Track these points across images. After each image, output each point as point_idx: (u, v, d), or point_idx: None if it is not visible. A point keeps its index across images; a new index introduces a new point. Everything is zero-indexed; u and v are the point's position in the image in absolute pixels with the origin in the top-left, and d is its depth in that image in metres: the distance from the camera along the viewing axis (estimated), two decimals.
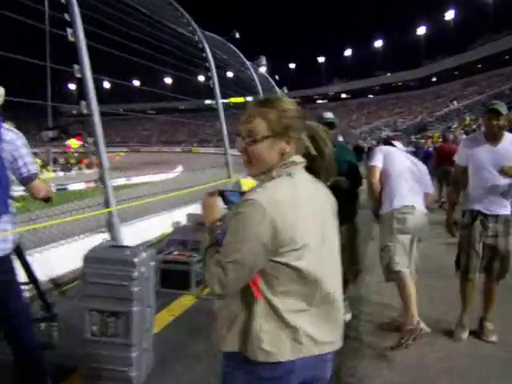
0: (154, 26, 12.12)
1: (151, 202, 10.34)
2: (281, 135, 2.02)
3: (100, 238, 7.83)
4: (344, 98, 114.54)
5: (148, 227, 9.68)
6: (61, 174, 43.80)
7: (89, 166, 46.26)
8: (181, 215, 10.30)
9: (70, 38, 7.69)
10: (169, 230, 10.01)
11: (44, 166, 48.03)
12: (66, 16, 7.70)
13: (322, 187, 2.15)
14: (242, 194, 2.04)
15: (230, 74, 19.66)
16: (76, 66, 7.76)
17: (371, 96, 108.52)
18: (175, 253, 6.72)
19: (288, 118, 2.04)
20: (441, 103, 77.03)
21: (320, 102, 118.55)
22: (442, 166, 14.08)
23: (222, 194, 2.19)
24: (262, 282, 1.92)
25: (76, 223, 7.98)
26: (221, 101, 14.19)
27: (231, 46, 19.26)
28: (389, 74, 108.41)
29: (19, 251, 4.27)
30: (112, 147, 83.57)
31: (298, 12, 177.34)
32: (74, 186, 24.17)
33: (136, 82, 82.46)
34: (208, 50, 14.00)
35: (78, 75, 7.77)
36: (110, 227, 8.03)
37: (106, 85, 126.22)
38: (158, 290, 6.35)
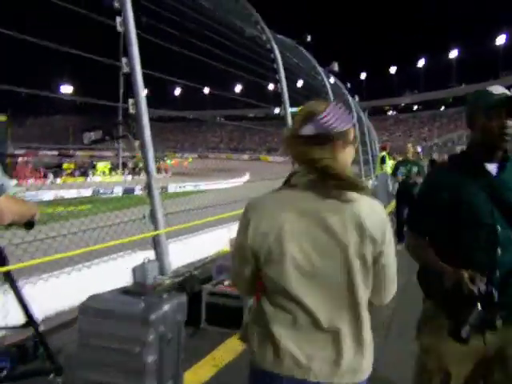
0: (220, 25, 11.23)
1: (206, 213, 9.36)
2: None
3: (143, 256, 6.89)
4: (416, 110, 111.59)
5: (201, 243, 8.59)
6: (129, 177, 44.51)
7: (157, 171, 46.66)
8: None
9: (119, 28, 6.78)
10: (225, 247, 8.97)
11: (113, 169, 49.16)
12: (116, 4, 6.82)
13: (342, 209, 1.86)
14: None
15: (300, 81, 18.59)
16: (124, 60, 6.84)
17: (444, 108, 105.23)
18: (226, 283, 5.47)
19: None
20: None
21: (391, 113, 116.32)
22: None
23: None
24: (262, 287, 1.96)
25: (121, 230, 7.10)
26: (289, 109, 13.07)
27: (302, 49, 18.17)
28: (463, 86, 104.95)
29: (12, 284, 3.26)
30: (181, 152, 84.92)
31: (371, 19, 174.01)
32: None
33: (206, 90, 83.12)
34: (277, 50, 12.96)
35: (126, 69, 6.84)
36: (155, 244, 7.04)
37: (177, 91, 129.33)
38: (203, 328, 5.31)
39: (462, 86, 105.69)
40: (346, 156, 1.98)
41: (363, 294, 1.89)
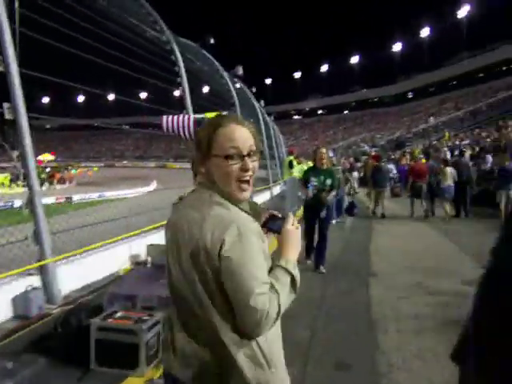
0: (118, 25, 10.46)
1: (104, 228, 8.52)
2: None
3: (26, 283, 5.98)
4: (320, 114, 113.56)
5: (99, 262, 7.64)
6: None
7: (60, 181, 45.14)
8: (141, 246, 8.42)
9: None
10: (126, 265, 8.13)
11: (13, 180, 46.71)
12: None
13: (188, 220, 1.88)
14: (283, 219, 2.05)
15: (203, 86, 17.98)
16: None
17: (347, 112, 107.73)
18: (118, 314, 4.62)
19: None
20: (417, 119, 76.36)
21: (296, 117, 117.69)
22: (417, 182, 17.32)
23: (271, 218, 2.08)
24: None
25: None
26: (192, 114, 12.41)
27: (205, 52, 17.52)
28: (364, 90, 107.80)
29: None
30: (86, 162, 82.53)
31: (274, 27, 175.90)
32: (44, 201, 23.18)
33: (111, 97, 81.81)
34: (178, 52, 12.27)
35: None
36: (41, 269, 6.15)
37: (81, 99, 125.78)
38: (93, 369, 4.50)
39: (363, 90, 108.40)
40: (211, 169, 1.93)
41: (201, 307, 1.84)
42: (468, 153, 26.14)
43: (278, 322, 1.96)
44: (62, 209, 17.68)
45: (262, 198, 21.21)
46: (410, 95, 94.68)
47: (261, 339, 1.84)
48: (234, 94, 19.34)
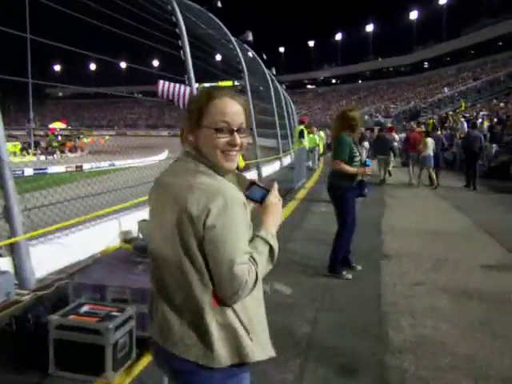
0: None
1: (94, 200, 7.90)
2: None
3: None
4: (334, 83, 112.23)
5: (83, 240, 6.97)
6: (42, 157, 42.59)
7: (72, 150, 45.01)
8: (132, 222, 7.74)
9: None
10: (114, 243, 7.49)
11: (24, 149, 46.45)
12: None
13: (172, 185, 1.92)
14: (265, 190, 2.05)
15: (212, 53, 17.26)
16: None
17: (361, 81, 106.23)
18: (84, 309, 3.89)
19: None
20: (433, 89, 75.01)
21: (310, 86, 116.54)
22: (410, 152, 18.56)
23: (252, 186, 2.07)
24: None
25: None
26: (193, 76, 11.70)
27: (211, 15, 16.65)
28: (380, 60, 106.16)
29: None
30: (98, 130, 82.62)
31: None
32: (54, 169, 25.40)
33: (123, 65, 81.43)
34: (178, 12, 11.49)
35: None
36: (11, 250, 5.51)
37: (93, 67, 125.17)
38: (52, 374, 3.84)
39: (378, 59, 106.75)
40: (199, 139, 1.96)
41: (182, 273, 1.84)
42: (486, 124, 25.51)
43: (258, 291, 1.96)
44: (71, 178, 17.53)
45: (271, 169, 20.59)
46: (426, 65, 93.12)
47: (237, 307, 1.85)
48: (242, 60, 18.55)
